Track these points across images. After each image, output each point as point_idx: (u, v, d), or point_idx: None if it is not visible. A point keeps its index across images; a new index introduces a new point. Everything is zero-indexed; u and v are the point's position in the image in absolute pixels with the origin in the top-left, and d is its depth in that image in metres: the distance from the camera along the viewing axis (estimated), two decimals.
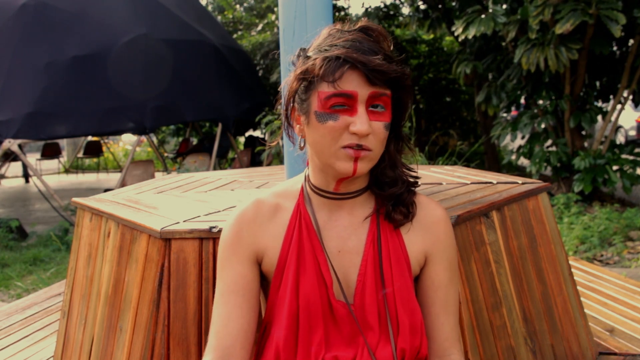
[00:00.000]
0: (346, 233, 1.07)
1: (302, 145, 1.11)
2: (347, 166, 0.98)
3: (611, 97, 6.45)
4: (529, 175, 5.72)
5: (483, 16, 5.67)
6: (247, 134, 11.20)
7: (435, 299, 1.09)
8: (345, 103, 0.97)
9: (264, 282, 1.11)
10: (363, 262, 1.06)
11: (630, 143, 9.79)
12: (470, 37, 5.65)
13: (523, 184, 1.89)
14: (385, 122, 0.99)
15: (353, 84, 0.96)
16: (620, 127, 11.04)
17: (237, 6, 14.24)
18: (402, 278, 1.06)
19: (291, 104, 1.06)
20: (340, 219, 1.08)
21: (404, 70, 0.99)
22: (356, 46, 0.97)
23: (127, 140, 16.03)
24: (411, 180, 1.12)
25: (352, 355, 1.03)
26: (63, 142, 14.12)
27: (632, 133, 11.72)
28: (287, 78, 1.07)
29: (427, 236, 1.10)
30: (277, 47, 10.01)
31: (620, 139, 11.35)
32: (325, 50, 0.99)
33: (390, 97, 1.01)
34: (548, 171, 6.64)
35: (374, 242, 1.07)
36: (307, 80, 1.00)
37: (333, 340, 1.04)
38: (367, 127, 0.96)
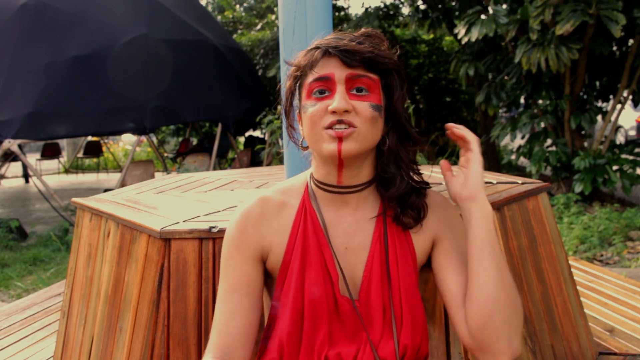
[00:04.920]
0: (352, 229, 1.07)
1: (304, 146, 1.10)
2: (332, 147, 0.98)
3: (611, 97, 6.45)
4: (529, 175, 5.72)
5: (483, 17, 5.67)
6: (247, 134, 11.21)
7: (450, 264, 1.05)
8: (325, 87, 1.00)
9: (268, 280, 1.11)
10: (369, 259, 1.06)
11: (630, 143, 9.79)
12: (472, 39, 5.65)
13: (523, 184, 1.89)
14: (370, 102, 0.99)
15: (330, 67, 1.00)
16: (620, 127, 11.02)
17: (237, 6, 14.25)
18: (407, 275, 1.05)
19: (290, 105, 1.09)
20: (346, 216, 1.07)
21: (378, 51, 1.00)
22: (337, 36, 1.02)
23: (127, 140, 16.02)
24: (417, 182, 1.09)
25: (355, 351, 1.02)
26: (63, 142, 14.12)
27: (632, 133, 11.71)
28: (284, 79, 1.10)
29: (431, 220, 1.09)
30: (276, 45, 10.04)
31: (620, 139, 11.34)
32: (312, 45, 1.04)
33: (379, 83, 1.02)
34: (548, 171, 6.64)
35: (381, 239, 1.06)
36: (297, 77, 1.05)
37: (337, 336, 1.03)
38: (344, 103, 0.97)
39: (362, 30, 1.05)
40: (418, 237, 1.09)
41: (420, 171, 1.11)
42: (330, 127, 0.98)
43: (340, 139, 0.97)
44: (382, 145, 1.05)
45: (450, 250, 1.07)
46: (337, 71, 0.99)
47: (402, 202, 1.07)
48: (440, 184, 1.96)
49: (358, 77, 0.99)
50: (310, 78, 1.01)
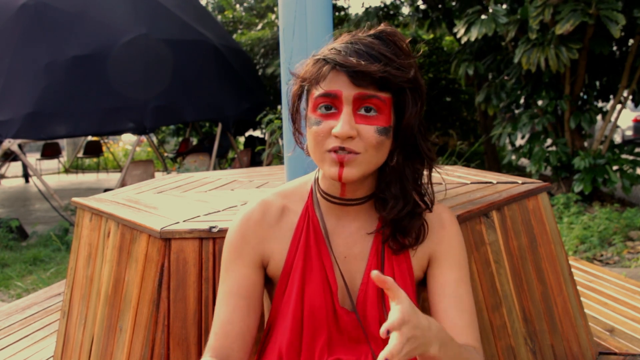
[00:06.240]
0: (352, 239, 1.06)
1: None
2: (333, 171, 0.95)
3: (611, 97, 6.45)
4: (529, 175, 5.72)
5: (484, 17, 5.67)
6: (247, 134, 11.21)
7: (443, 296, 1.04)
8: (331, 104, 0.95)
9: (269, 285, 1.11)
10: (366, 272, 1.05)
11: (627, 143, 9.80)
12: (472, 39, 5.65)
13: (523, 183, 1.89)
14: (377, 126, 0.94)
15: (338, 84, 0.94)
16: (617, 127, 11.05)
17: (237, 6, 14.25)
18: (405, 290, 1.04)
19: (296, 110, 1.06)
20: (347, 225, 1.06)
21: (391, 69, 0.93)
22: (347, 48, 0.95)
23: (127, 140, 16.02)
24: (421, 202, 1.05)
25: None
26: (63, 142, 14.12)
27: (629, 133, 11.72)
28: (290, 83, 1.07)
29: (430, 239, 1.07)
30: (276, 44, 10.03)
31: (617, 139, 11.35)
32: (322, 53, 0.98)
33: (390, 102, 0.96)
34: (548, 171, 6.64)
35: (378, 254, 1.05)
36: (305, 85, 1.00)
37: (336, 345, 1.03)
38: (347, 129, 0.92)
39: (381, 27, 0.99)
40: (415, 254, 1.07)
41: (426, 191, 1.07)
42: (333, 150, 0.95)
43: (341, 164, 0.94)
44: (389, 162, 1.00)
45: (443, 280, 1.05)
46: (345, 90, 0.93)
47: (395, 224, 1.04)
48: (440, 184, 1.95)
49: (367, 97, 0.93)
50: (316, 92, 0.96)
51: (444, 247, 1.07)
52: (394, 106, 0.97)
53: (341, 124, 0.93)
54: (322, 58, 0.96)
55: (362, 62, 0.92)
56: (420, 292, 1.14)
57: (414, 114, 0.98)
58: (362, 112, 0.94)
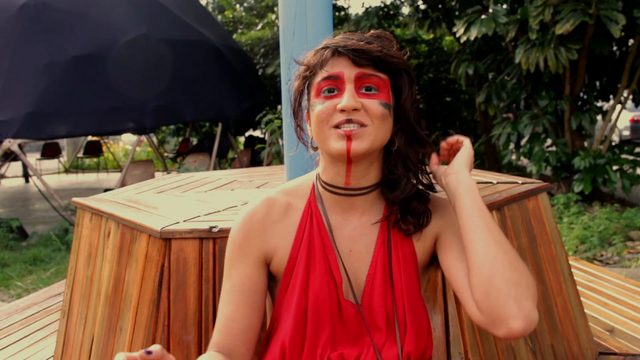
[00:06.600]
0: (357, 233, 1.07)
1: (314, 146, 1.09)
2: (340, 146, 0.98)
3: (611, 97, 6.45)
4: (529, 175, 5.71)
5: (483, 16, 5.67)
6: (247, 134, 11.21)
7: (461, 260, 1.01)
8: (334, 86, 1.00)
9: (272, 282, 1.11)
10: (372, 263, 1.05)
11: (625, 143, 9.80)
12: (472, 38, 5.65)
13: (523, 184, 1.89)
14: (379, 100, 0.99)
15: (340, 67, 1.00)
16: (615, 127, 11.05)
17: (237, 6, 14.26)
18: (410, 282, 1.05)
19: (298, 105, 1.08)
20: (351, 219, 1.07)
21: (387, 51, 1.00)
22: (346, 36, 1.03)
23: (127, 140, 16.03)
24: (425, 184, 1.08)
25: (357, 354, 1.02)
26: (63, 142, 14.11)
27: (626, 133, 11.72)
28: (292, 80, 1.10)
29: (433, 220, 1.08)
30: (276, 44, 10.01)
31: (614, 139, 11.35)
32: (321, 44, 1.04)
33: (388, 83, 1.01)
34: (548, 171, 6.64)
35: (384, 244, 1.06)
36: (306, 77, 1.05)
37: (339, 339, 1.03)
38: (352, 101, 0.97)
39: (372, 31, 1.06)
40: (420, 241, 1.08)
41: (429, 172, 1.10)
42: (338, 126, 0.98)
43: (349, 138, 0.97)
44: (390, 146, 1.04)
45: (452, 239, 1.05)
46: (346, 70, 0.99)
47: (404, 206, 1.06)
48: None
49: (367, 76, 0.99)
50: (319, 77, 1.01)
51: (448, 219, 1.07)
52: (391, 89, 1.03)
53: (346, 98, 0.98)
54: (322, 46, 1.03)
55: (362, 43, 0.99)
56: (425, 278, 1.14)
57: (410, 97, 1.03)
58: (363, 90, 1.00)
